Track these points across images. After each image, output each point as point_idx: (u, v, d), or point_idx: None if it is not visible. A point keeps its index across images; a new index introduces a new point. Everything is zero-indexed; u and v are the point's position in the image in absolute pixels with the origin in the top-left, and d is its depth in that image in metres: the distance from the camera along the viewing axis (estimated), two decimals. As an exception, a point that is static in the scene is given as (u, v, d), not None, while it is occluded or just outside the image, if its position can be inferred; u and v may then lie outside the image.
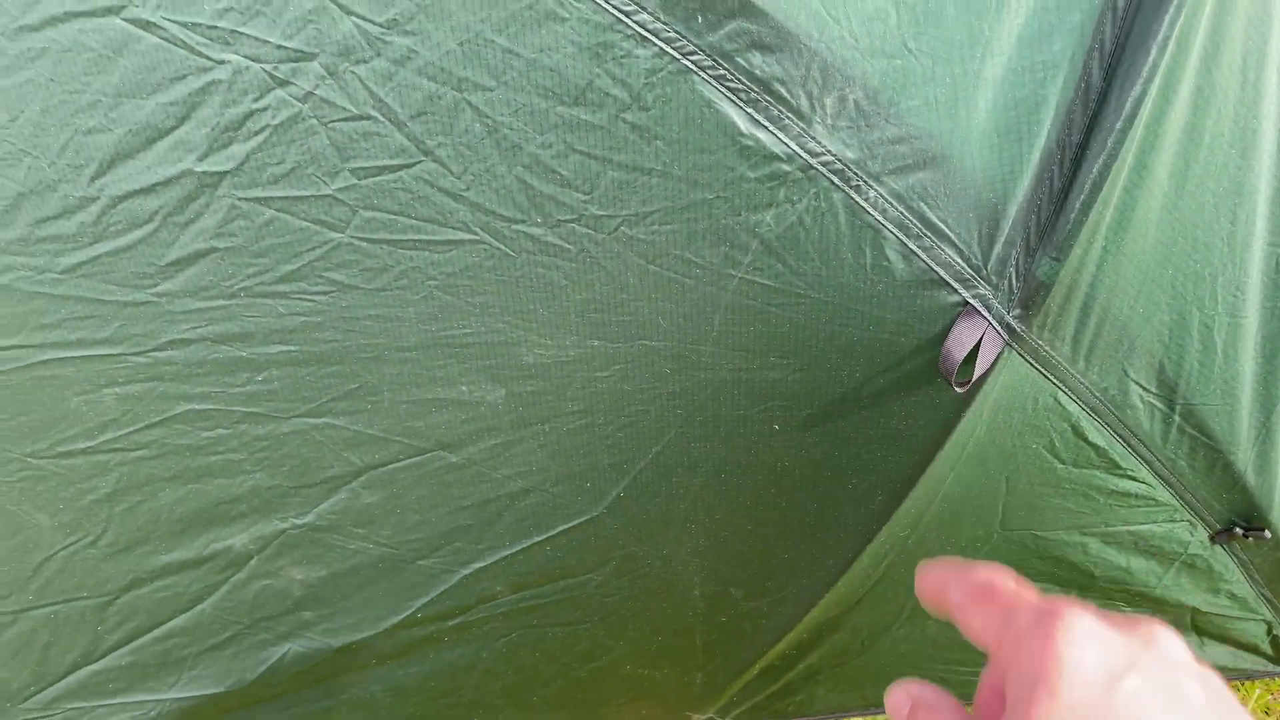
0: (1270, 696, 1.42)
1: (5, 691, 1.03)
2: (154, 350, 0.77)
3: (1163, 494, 0.89)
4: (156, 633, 0.96)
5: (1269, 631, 1.17)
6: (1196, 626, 1.13)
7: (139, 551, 0.90)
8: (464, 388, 0.77)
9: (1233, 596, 1.08)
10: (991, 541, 0.91)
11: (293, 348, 0.76)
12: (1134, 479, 0.87)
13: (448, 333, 0.74)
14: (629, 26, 0.60)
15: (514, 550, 0.88)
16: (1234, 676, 1.27)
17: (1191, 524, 0.94)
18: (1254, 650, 1.21)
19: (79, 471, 0.85)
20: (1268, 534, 0.95)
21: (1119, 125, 0.62)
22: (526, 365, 0.75)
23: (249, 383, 0.78)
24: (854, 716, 1.23)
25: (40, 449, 0.83)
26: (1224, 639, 1.17)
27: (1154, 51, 0.59)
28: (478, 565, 0.89)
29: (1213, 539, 0.97)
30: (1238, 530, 0.95)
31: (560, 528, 0.86)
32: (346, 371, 0.77)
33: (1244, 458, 0.89)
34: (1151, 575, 0.99)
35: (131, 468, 0.84)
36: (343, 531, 0.87)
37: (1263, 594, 1.09)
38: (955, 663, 1.11)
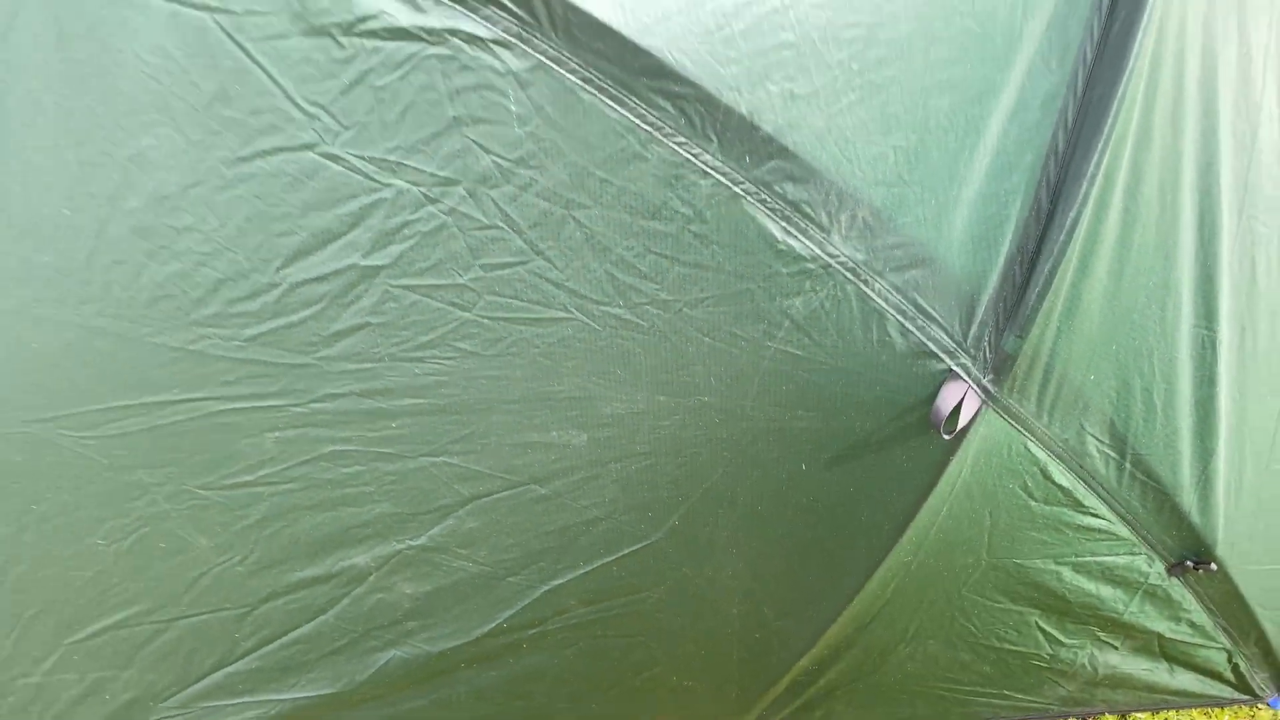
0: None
1: (150, 692, 1.21)
2: (311, 402, 0.97)
3: (1121, 530, 1.07)
4: (284, 639, 1.14)
5: (1230, 660, 1.33)
6: (1164, 653, 1.29)
7: (277, 569, 1.09)
8: (554, 433, 0.96)
9: (1193, 625, 1.25)
10: (980, 568, 1.09)
11: (422, 400, 0.95)
12: (1096, 515, 1.04)
13: (545, 389, 0.94)
14: (695, 164, 0.80)
15: (587, 569, 1.06)
16: (1203, 704, 1.43)
17: (1149, 557, 1.12)
18: (1219, 678, 1.36)
19: (237, 501, 1.04)
20: (1214, 567, 1.12)
21: (1062, 238, 0.81)
22: (605, 415, 0.95)
23: (384, 429, 0.98)
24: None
25: (209, 482, 1.02)
26: (1190, 665, 1.33)
27: (1085, 184, 0.79)
28: (556, 582, 1.07)
29: (1168, 571, 1.14)
30: (1188, 563, 1.12)
31: (626, 550, 1.05)
32: (463, 420, 0.96)
33: (1188, 500, 1.07)
34: (1119, 602, 1.16)
35: (281, 498, 1.03)
36: (448, 552, 1.05)
37: (1219, 623, 1.26)
38: (953, 681, 1.28)
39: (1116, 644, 1.25)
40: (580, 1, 0.76)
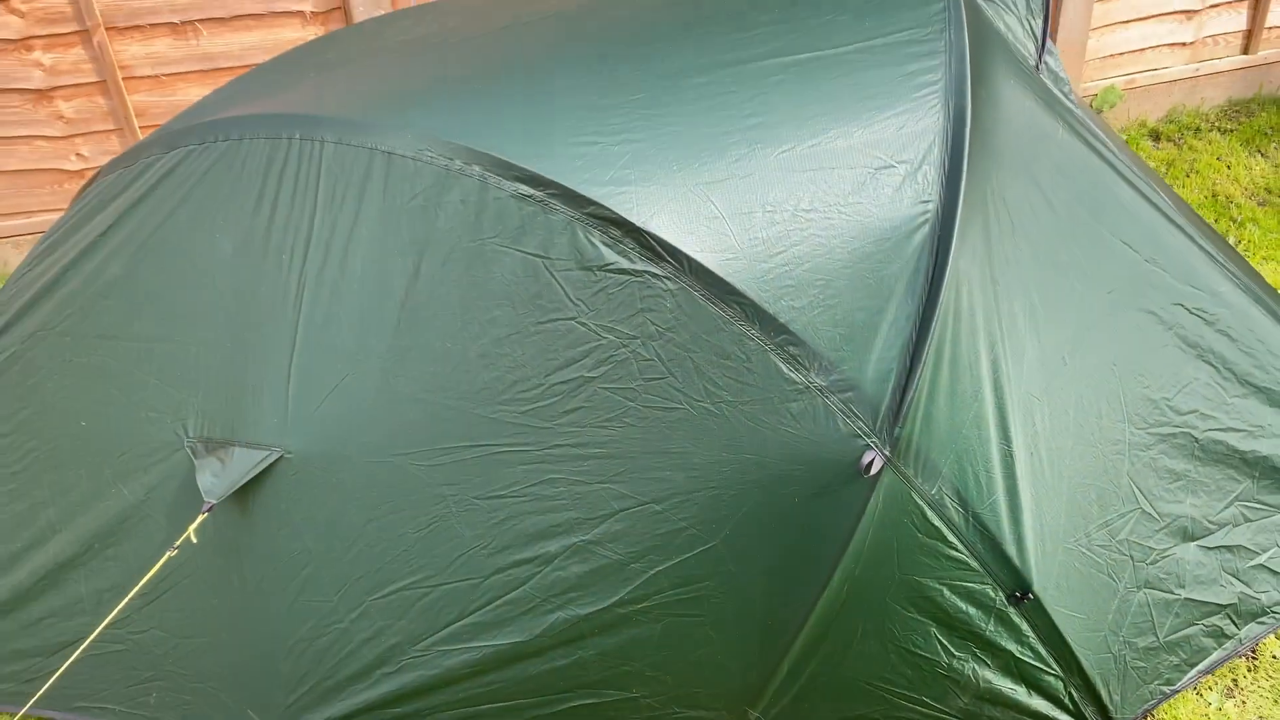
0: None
1: (409, 637, 1.98)
2: (544, 449, 1.85)
3: (974, 563, 1.88)
4: (498, 602, 1.94)
5: (1065, 688, 2.04)
6: (1020, 674, 2.01)
7: (505, 553, 1.91)
8: (667, 473, 1.82)
9: (1035, 651, 1.99)
10: (895, 581, 1.88)
11: (602, 451, 1.83)
12: (956, 550, 1.86)
13: (664, 447, 1.81)
14: (748, 336, 1.74)
15: (677, 560, 1.87)
16: None
17: (994, 586, 1.91)
18: (1061, 706, 2.06)
19: (493, 507, 1.89)
20: (1032, 597, 1.90)
21: (916, 383, 1.72)
22: (693, 464, 1.81)
23: (580, 467, 1.84)
24: (838, 730, 2.09)
25: (480, 494, 1.88)
26: (1040, 690, 2.04)
27: (925, 356, 1.72)
28: (661, 568, 1.88)
29: (1007, 599, 1.92)
30: (1017, 595, 1.91)
31: (698, 550, 1.86)
32: (622, 463, 1.82)
33: (1011, 550, 1.88)
34: (980, 620, 1.93)
35: (517, 505, 1.88)
36: (601, 544, 1.88)
37: (1051, 653, 2.00)
38: (888, 681, 1.99)
39: (989, 660, 1.99)
40: (699, 258, 1.73)
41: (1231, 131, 4.59)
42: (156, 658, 2.15)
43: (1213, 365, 2.11)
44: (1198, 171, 4.33)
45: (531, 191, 1.78)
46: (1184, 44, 4.57)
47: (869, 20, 1.84)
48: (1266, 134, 4.53)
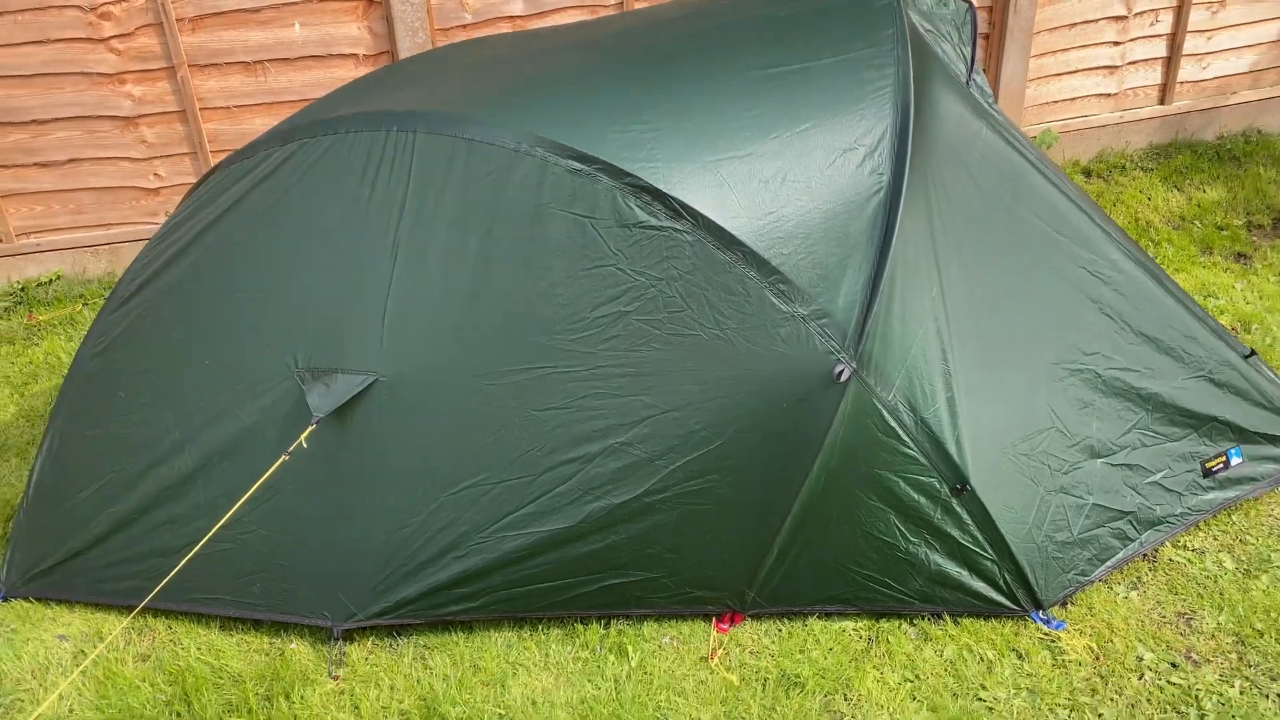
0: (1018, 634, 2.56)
1: (474, 526, 2.41)
2: (589, 369, 2.31)
3: (922, 459, 2.35)
4: (548, 495, 2.37)
5: (1000, 572, 2.49)
6: (964, 559, 2.46)
7: (555, 454, 2.35)
8: (687, 386, 2.28)
9: (974, 538, 2.44)
10: (860, 473, 2.33)
11: (634, 369, 2.29)
12: (908, 446, 2.32)
13: (684, 366, 2.27)
14: (750, 276, 2.23)
15: (691, 457, 2.32)
16: (993, 610, 2.53)
17: (939, 480, 2.37)
18: (997, 588, 2.51)
19: (547, 417, 2.33)
20: (968, 488, 2.37)
21: (874, 311, 2.22)
22: (708, 377, 2.28)
23: (618, 382, 2.30)
24: (813, 609, 2.52)
25: (538, 406, 2.34)
26: (980, 573, 2.48)
27: (881, 290, 2.21)
28: (678, 463, 2.32)
29: (950, 492, 2.38)
30: (957, 486, 2.37)
31: (707, 448, 2.31)
32: (652, 379, 2.28)
33: (951, 448, 2.35)
34: (929, 508, 2.39)
35: (566, 415, 2.33)
36: (633, 445, 2.32)
37: (988, 539, 2.45)
38: (857, 565, 2.42)
39: (938, 545, 2.44)
40: (711, 216, 2.22)
41: (1152, 170, 5.18)
42: (261, 554, 2.56)
43: (1110, 317, 2.61)
44: (1123, 202, 4.90)
45: (581, 167, 2.27)
46: (1109, 94, 5.18)
47: (837, 42, 2.36)
48: (1182, 172, 5.12)
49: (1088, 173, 5.21)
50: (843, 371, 2.22)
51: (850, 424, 2.28)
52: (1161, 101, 5.26)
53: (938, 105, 2.38)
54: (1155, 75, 5.19)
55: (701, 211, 2.23)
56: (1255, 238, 4.59)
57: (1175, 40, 5.09)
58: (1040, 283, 2.51)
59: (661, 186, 2.24)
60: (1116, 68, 5.11)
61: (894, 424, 2.29)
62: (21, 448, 3.49)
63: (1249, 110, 5.35)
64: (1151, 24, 5.03)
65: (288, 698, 2.40)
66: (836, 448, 2.30)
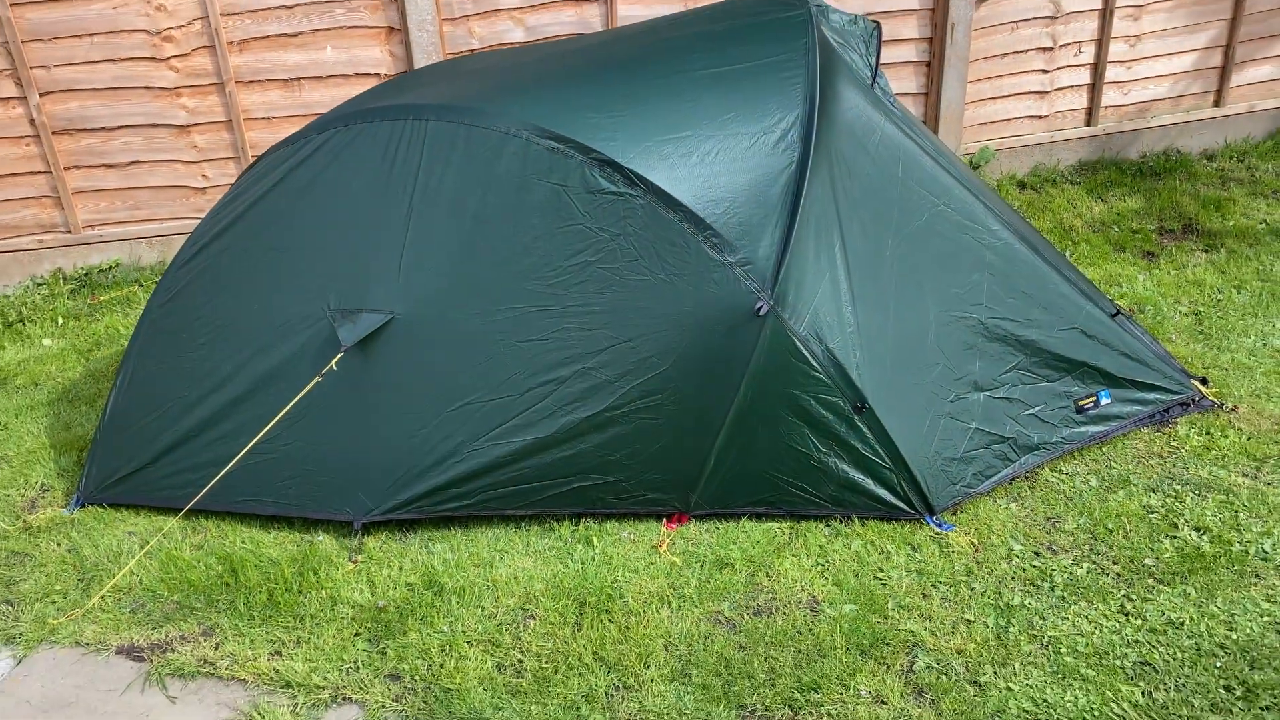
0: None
1: (471, 435, 2.90)
2: (564, 308, 2.81)
3: (829, 381, 2.84)
4: (528, 410, 2.87)
5: (898, 480, 2.97)
6: (866, 468, 2.94)
7: (536, 375, 2.85)
8: (639, 321, 2.79)
9: (874, 449, 2.93)
10: (778, 393, 2.82)
11: (596, 308, 2.78)
12: (817, 370, 2.82)
13: (637, 304, 2.77)
14: (689, 232, 2.74)
15: (643, 379, 2.81)
16: (893, 513, 3.01)
17: (844, 399, 2.87)
18: (895, 493, 2.99)
19: (534, 345, 2.84)
20: (866, 406, 2.86)
21: (785, 260, 2.73)
22: (656, 314, 2.78)
23: (582, 317, 2.80)
24: (745, 510, 3.00)
25: (523, 338, 2.85)
26: (881, 481, 2.96)
27: (790, 241, 2.73)
28: (633, 384, 2.81)
29: (853, 409, 2.88)
30: (858, 404, 2.87)
31: (655, 371, 2.80)
32: (611, 316, 2.77)
33: (853, 374, 2.85)
34: (836, 423, 2.87)
35: (544, 344, 2.82)
36: (595, 370, 2.81)
37: (887, 451, 2.93)
38: (778, 471, 2.91)
39: (845, 455, 2.92)
40: (659, 183, 2.75)
41: (1079, 183, 5.70)
42: (297, 462, 3.06)
43: (991, 274, 3.11)
44: (1050, 209, 5.42)
45: (557, 145, 2.80)
46: (1041, 116, 5.72)
47: (760, 50, 2.90)
48: (1106, 185, 5.64)
49: (1022, 185, 5.74)
50: (762, 307, 2.72)
51: (770, 351, 2.78)
52: (1088, 123, 5.80)
53: (841, 99, 2.90)
54: (1081, 100, 5.73)
55: (651, 180, 2.75)
56: (1164, 240, 5.10)
57: (1098, 69, 5.63)
58: (929, 244, 3.02)
59: (620, 160, 2.76)
60: (1046, 93, 5.65)
61: (805, 352, 2.79)
62: (90, 398, 4.01)
63: (1168, 132, 5.88)
64: (1075, 55, 5.58)
65: (316, 574, 2.89)
66: (759, 372, 2.79)
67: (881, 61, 3.16)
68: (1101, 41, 5.54)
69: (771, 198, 2.76)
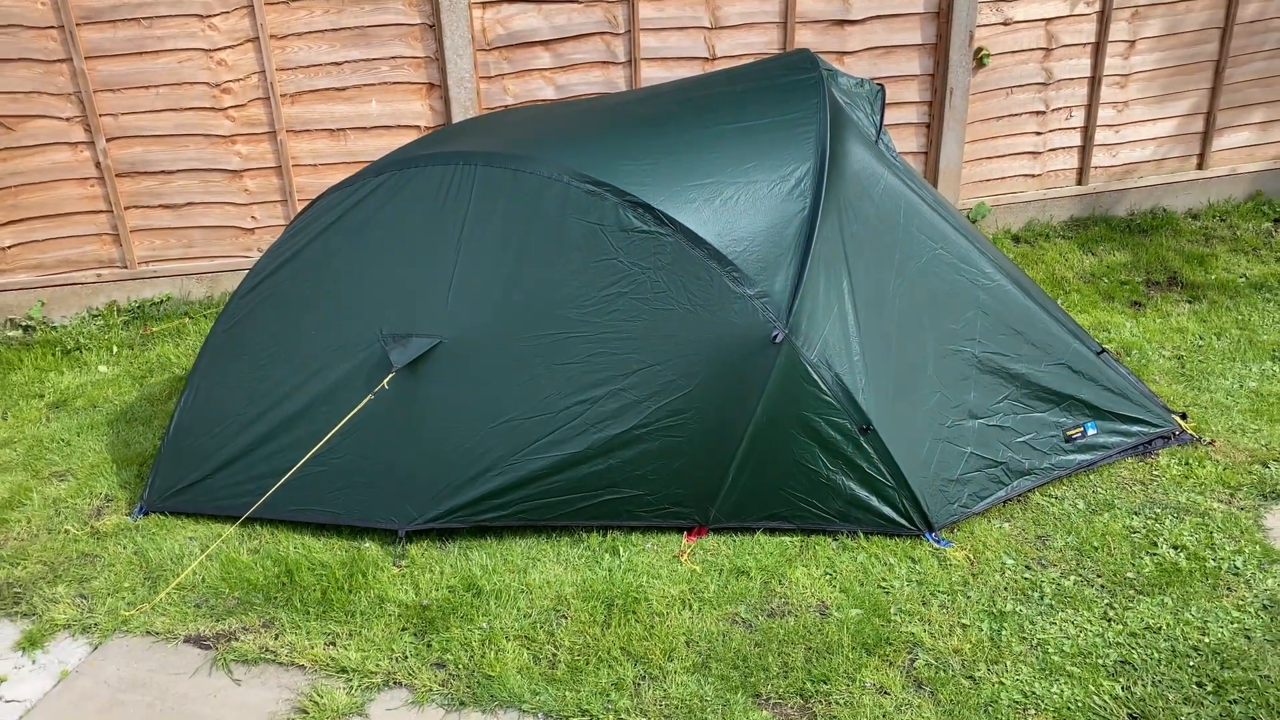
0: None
1: (499, 456, 3.14)
2: (597, 334, 3.08)
3: (837, 404, 3.10)
4: (564, 428, 3.12)
5: (899, 499, 3.21)
6: (871, 486, 3.18)
7: (569, 397, 3.12)
8: (665, 347, 3.06)
9: (879, 469, 3.17)
10: (790, 415, 3.08)
11: (626, 335, 3.06)
12: (826, 394, 3.07)
13: (664, 331, 3.05)
14: (715, 269, 3.03)
15: (669, 399, 3.08)
16: (896, 530, 3.24)
17: (851, 421, 3.12)
18: (898, 510, 3.22)
19: (565, 370, 3.12)
20: (871, 429, 3.12)
21: (800, 293, 3.01)
22: (684, 341, 3.06)
23: (612, 343, 3.07)
24: (759, 524, 3.24)
25: (561, 361, 3.13)
26: (885, 499, 3.20)
27: (803, 281, 3.02)
28: (660, 404, 3.07)
29: (858, 431, 3.13)
30: (863, 427, 3.12)
31: (681, 392, 3.06)
32: (640, 342, 3.05)
33: (859, 398, 3.11)
34: (844, 444, 3.13)
35: (577, 367, 3.09)
36: (625, 390, 3.07)
37: (890, 471, 3.17)
38: (790, 489, 3.15)
39: (851, 474, 3.17)
40: (686, 224, 3.04)
41: (1071, 238, 6.01)
42: (346, 474, 3.30)
43: (984, 312, 3.38)
44: (1044, 262, 5.72)
45: (595, 189, 3.10)
46: (1034, 175, 6.06)
47: (776, 108, 3.22)
48: (1096, 240, 5.95)
49: (1016, 239, 6.05)
50: (778, 335, 2.99)
51: (784, 375, 3.04)
52: (1079, 182, 6.13)
53: (849, 153, 3.21)
54: (1073, 160, 6.07)
55: (679, 220, 3.04)
56: (1150, 291, 5.38)
57: (1088, 132, 5.98)
58: (928, 284, 3.30)
59: (651, 203, 3.05)
60: (1039, 153, 5.99)
61: (816, 377, 3.05)
62: (145, 419, 4.27)
63: (1155, 191, 6.21)
64: (1066, 119, 5.93)
65: (364, 576, 3.12)
66: (774, 394, 3.05)
67: (885, 122, 3.48)
68: (1091, 107, 5.89)
69: (786, 238, 3.05)
